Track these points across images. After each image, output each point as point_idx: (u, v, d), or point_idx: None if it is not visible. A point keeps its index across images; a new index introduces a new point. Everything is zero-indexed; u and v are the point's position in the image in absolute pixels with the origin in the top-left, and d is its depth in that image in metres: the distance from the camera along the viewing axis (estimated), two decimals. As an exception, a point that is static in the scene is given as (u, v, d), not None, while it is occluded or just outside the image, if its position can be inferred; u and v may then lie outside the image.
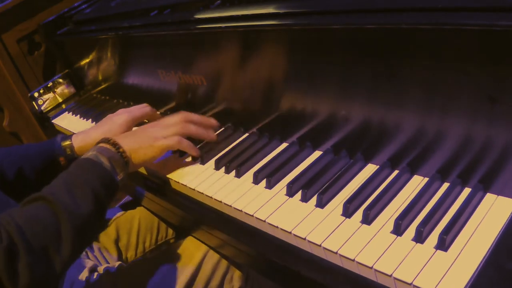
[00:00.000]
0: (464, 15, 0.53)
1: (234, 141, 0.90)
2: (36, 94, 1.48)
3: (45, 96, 1.49)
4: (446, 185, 0.62)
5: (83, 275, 0.86)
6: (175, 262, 0.86)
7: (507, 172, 0.56)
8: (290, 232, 0.63)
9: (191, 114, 0.87)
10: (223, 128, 0.95)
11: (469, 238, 0.54)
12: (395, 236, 0.57)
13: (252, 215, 0.69)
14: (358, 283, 0.56)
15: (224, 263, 0.89)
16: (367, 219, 0.60)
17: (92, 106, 1.38)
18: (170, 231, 1.10)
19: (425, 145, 0.63)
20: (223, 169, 0.82)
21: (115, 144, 0.76)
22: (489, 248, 0.52)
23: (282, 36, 0.77)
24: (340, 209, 0.64)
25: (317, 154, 0.78)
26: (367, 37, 0.65)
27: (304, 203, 0.68)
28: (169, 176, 0.86)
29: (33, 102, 1.48)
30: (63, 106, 1.50)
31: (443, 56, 0.58)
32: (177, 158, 0.90)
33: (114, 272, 0.88)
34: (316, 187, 0.69)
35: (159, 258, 0.88)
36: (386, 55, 0.63)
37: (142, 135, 0.81)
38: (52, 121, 1.43)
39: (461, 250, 0.53)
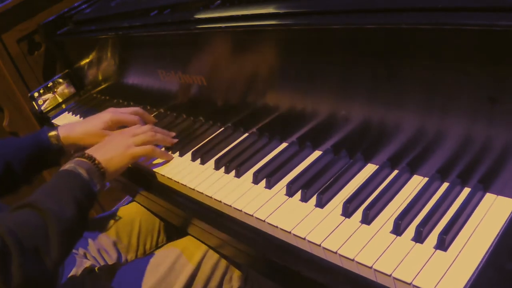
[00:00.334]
0: (464, 15, 0.53)
1: (234, 141, 0.90)
2: (36, 94, 1.48)
3: (45, 96, 1.49)
4: (445, 185, 0.62)
5: (81, 274, 0.86)
6: (175, 262, 0.86)
7: (506, 172, 0.56)
8: (290, 232, 0.63)
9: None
10: (223, 128, 0.95)
11: (469, 238, 0.54)
12: (395, 236, 0.57)
13: (252, 215, 0.69)
14: (358, 283, 0.56)
15: (223, 263, 0.89)
16: (367, 219, 0.60)
17: (92, 106, 1.38)
18: (171, 233, 1.10)
19: (425, 145, 0.63)
20: (223, 169, 0.82)
21: (90, 158, 0.80)
22: (489, 248, 0.52)
23: (282, 36, 0.77)
24: (339, 209, 0.64)
25: (317, 154, 0.78)
26: (367, 37, 0.65)
27: (303, 203, 0.68)
28: (169, 176, 0.86)
29: (33, 102, 1.48)
30: (63, 106, 1.49)
31: (443, 56, 0.58)
32: (177, 157, 0.90)
33: (112, 271, 0.88)
34: (315, 187, 0.69)
35: (158, 257, 0.88)
36: (386, 55, 0.63)
37: (113, 144, 0.86)
38: (52, 121, 1.43)
39: (461, 250, 0.53)
